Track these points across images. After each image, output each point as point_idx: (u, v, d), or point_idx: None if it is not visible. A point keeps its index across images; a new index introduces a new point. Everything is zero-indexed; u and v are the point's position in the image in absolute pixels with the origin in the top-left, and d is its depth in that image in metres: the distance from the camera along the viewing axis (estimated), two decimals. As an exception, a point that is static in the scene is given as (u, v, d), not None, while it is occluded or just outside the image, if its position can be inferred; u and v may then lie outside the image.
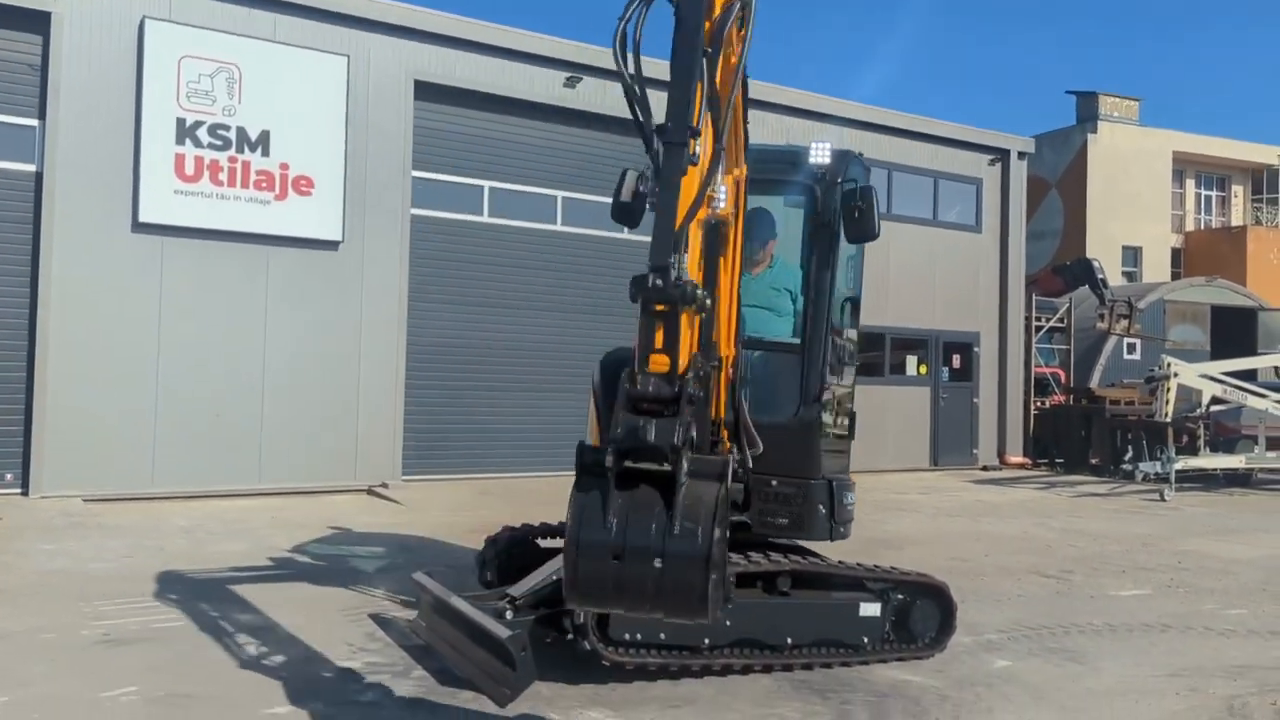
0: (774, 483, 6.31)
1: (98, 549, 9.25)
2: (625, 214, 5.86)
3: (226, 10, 12.65)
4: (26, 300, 11.86)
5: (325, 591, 7.85)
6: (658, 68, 4.43)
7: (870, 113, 17.82)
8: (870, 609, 6.26)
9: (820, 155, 6.50)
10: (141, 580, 8.04)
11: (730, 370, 5.58)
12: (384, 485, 13.43)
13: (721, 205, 4.99)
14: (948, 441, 18.91)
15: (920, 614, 6.42)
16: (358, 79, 13.40)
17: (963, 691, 5.85)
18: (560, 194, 15.07)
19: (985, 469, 19.08)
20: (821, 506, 6.38)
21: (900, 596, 6.41)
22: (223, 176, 12.54)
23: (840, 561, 6.49)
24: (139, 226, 12.22)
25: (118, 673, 5.70)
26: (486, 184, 14.63)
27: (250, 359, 12.79)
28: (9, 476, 11.83)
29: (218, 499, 12.23)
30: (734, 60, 4.87)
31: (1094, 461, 19.24)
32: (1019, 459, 19.72)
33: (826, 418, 6.58)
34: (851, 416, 7.04)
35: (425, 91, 13.94)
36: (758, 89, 14.38)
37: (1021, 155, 19.94)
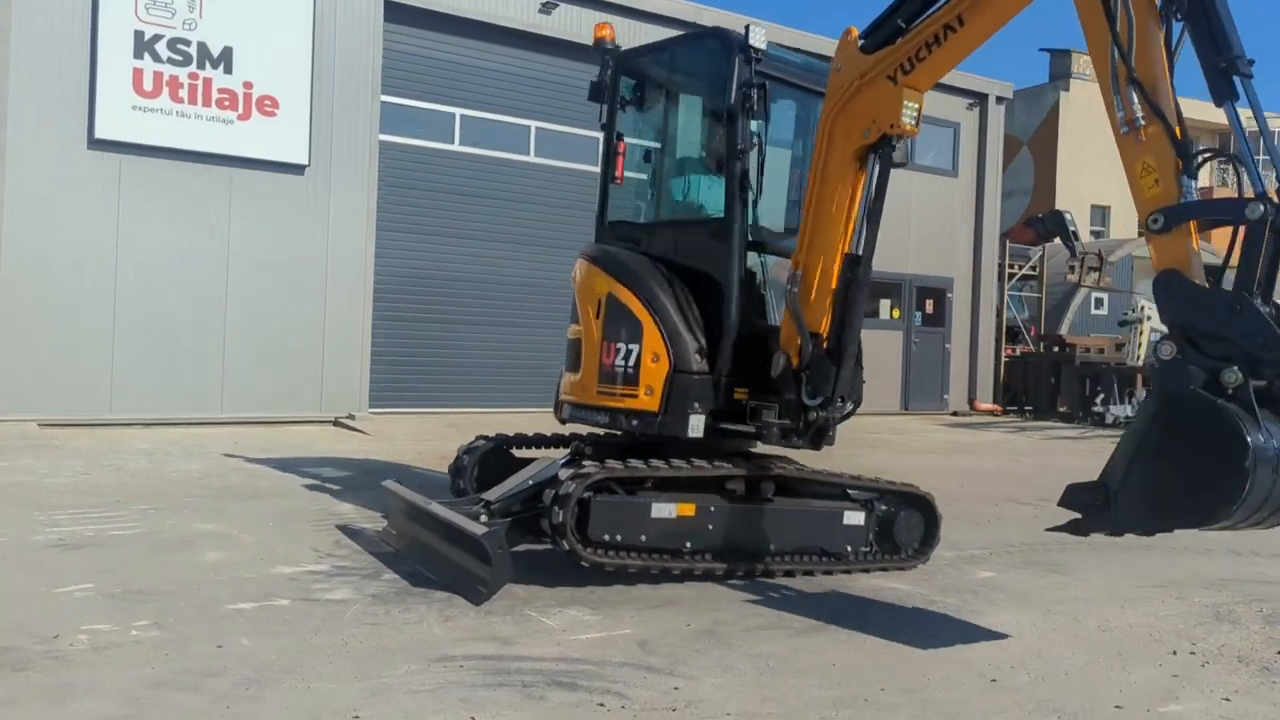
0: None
1: (53, 466, 8.93)
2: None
3: (187, -82, 12.11)
4: (-23, 218, 11.38)
5: (290, 505, 7.61)
6: None
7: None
8: (854, 518, 6.12)
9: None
10: (98, 493, 7.77)
11: None
12: (350, 417, 13.14)
13: None
14: (919, 386, 18.87)
15: (904, 524, 6.29)
16: (325, -4, 12.92)
17: (948, 597, 5.74)
18: (534, 124, 14.68)
19: (955, 414, 19.08)
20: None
21: (885, 506, 6.28)
22: (183, 93, 12.07)
23: (824, 470, 6.34)
24: (95, 143, 11.73)
25: (72, 570, 5.45)
26: (458, 111, 14.22)
27: (212, 284, 12.39)
28: (-40, 399, 11.42)
29: (177, 426, 11.89)
30: None
31: (1062, 409, 19.29)
32: (989, 405, 19.74)
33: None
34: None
35: (396, 13, 13.46)
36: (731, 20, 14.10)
37: (1000, 100, 19.75)
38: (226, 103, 12.30)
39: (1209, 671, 4.63)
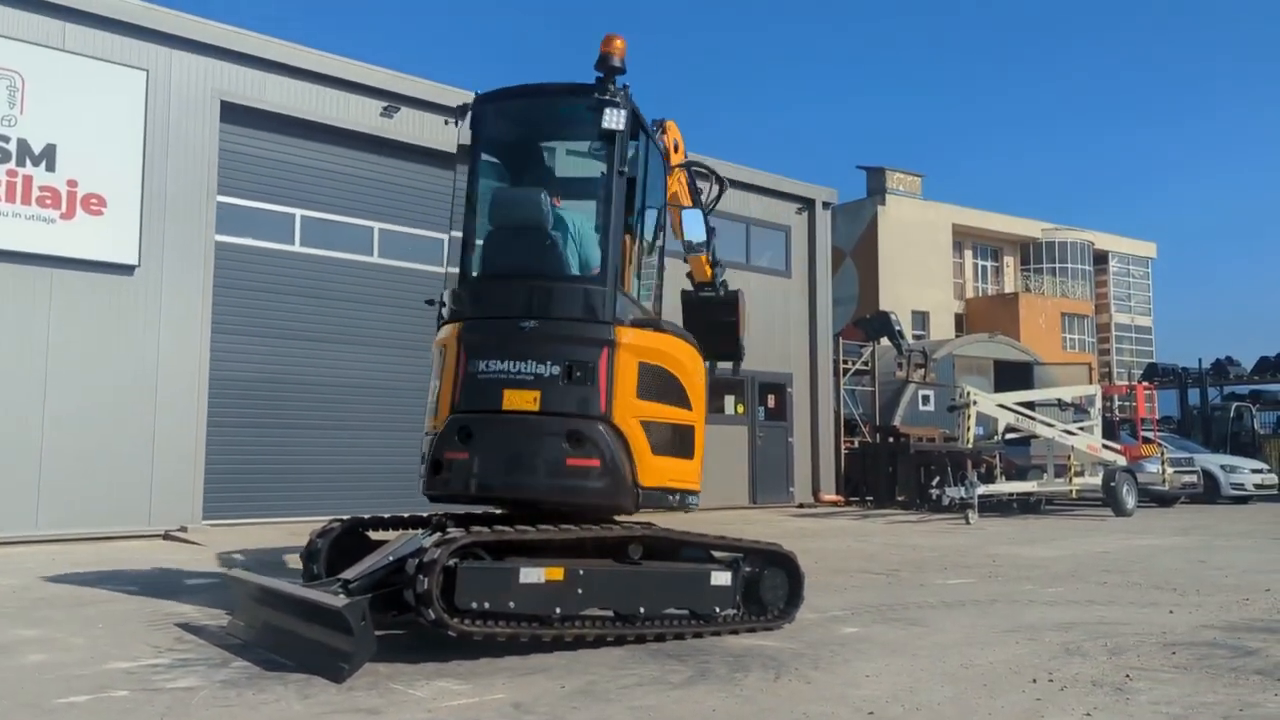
0: None
1: None
2: None
3: (9, 14, 11.66)
4: None
5: (121, 609, 7.04)
6: None
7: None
8: (721, 578, 6.14)
9: None
10: (-104, 608, 6.99)
11: None
12: (182, 529, 12.35)
13: None
14: (766, 480, 19.25)
15: (770, 583, 6.36)
16: (158, 95, 12.62)
17: (818, 650, 5.78)
18: (377, 225, 14.59)
19: (801, 506, 19.50)
20: None
21: (750, 566, 6.33)
22: (0, 191, 11.47)
23: (690, 531, 6.35)
24: (-102, 244, 10.96)
25: None
26: (299, 212, 14.00)
27: (29, 391, 11.58)
28: None
29: (-14, 546, 10.90)
30: None
31: (901, 498, 20.01)
32: (832, 496, 20.28)
33: None
34: None
35: (232, 113, 13.27)
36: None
37: (826, 205, 20.91)
38: (48, 201, 11.74)
39: (1068, 694, 4.81)
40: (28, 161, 11.66)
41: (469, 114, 6.48)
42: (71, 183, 11.94)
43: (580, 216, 6.43)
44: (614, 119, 6.03)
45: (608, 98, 6.05)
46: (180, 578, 8.72)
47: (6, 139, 11.55)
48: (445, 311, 6.38)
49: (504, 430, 5.85)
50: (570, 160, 6.85)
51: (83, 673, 5.04)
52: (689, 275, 8.37)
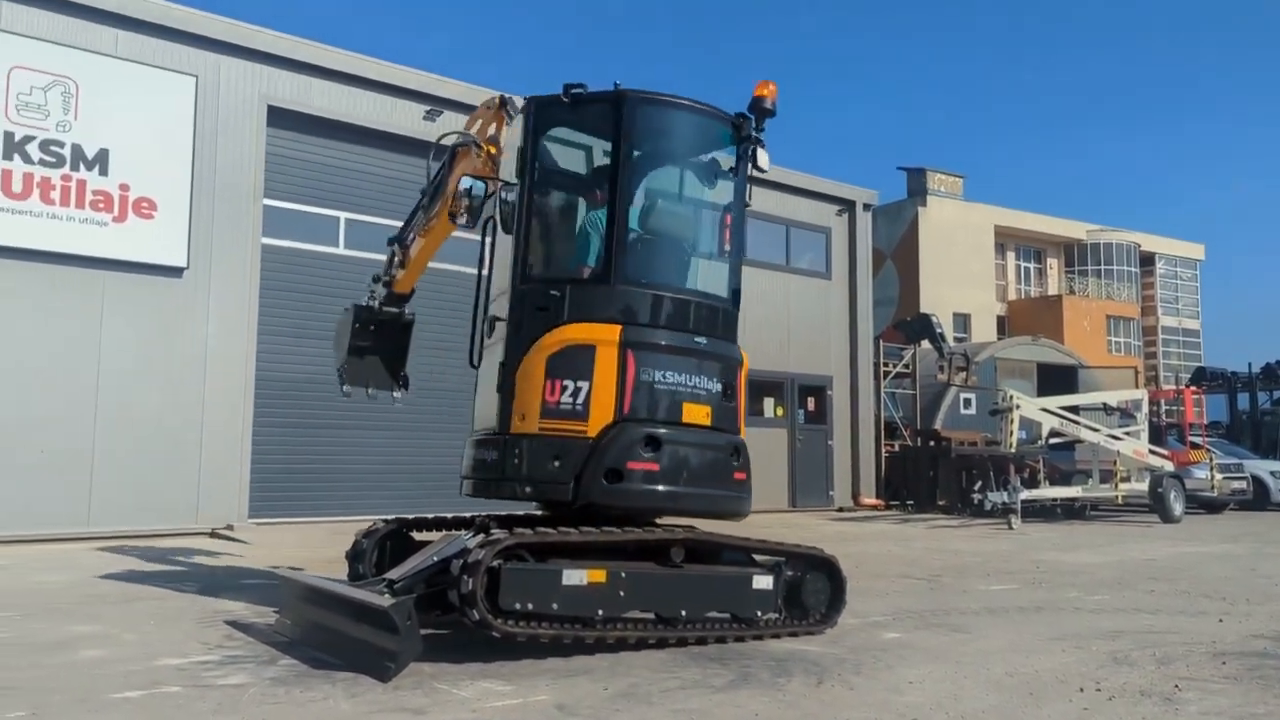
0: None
1: (-100, 581, 8.23)
2: None
3: (63, 22, 11.96)
4: None
5: (171, 606, 7.17)
6: None
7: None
8: (763, 582, 6.14)
9: None
10: (-45, 602, 7.18)
11: None
12: (228, 528, 12.55)
13: None
14: (805, 483, 19.18)
15: (812, 587, 6.34)
16: (207, 101, 12.84)
17: (860, 656, 5.75)
18: (419, 228, 14.72)
19: (841, 510, 19.41)
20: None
21: (792, 570, 6.32)
22: (54, 195, 11.71)
23: (731, 535, 6.35)
24: (-43, 246, 11.25)
25: (-68, 672, 4.99)
26: (342, 215, 14.18)
27: (82, 392, 11.82)
28: None
29: (40, 543, 11.14)
30: None
31: (942, 502, 19.84)
32: (873, 500, 20.16)
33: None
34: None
35: (279, 118, 13.47)
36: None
37: (866, 207, 20.80)
38: (101, 205, 11.99)
39: (1116, 704, 4.75)
40: (81, 166, 11.90)
41: (534, 108, 6.38)
42: (123, 187, 12.18)
43: (709, 240, 6.77)
44: (765, 160, 6.41)
45: (760, 138, 6.37)
46: (227, 576, 8.87)
47: (61, 144, 11.81)
48: (563, 307, 6.01)
49: (687, 443, 5.98)
50: (693, 181, 6.85)
51: (135, 668, 5.14)
52: (382, 284, 8.34)
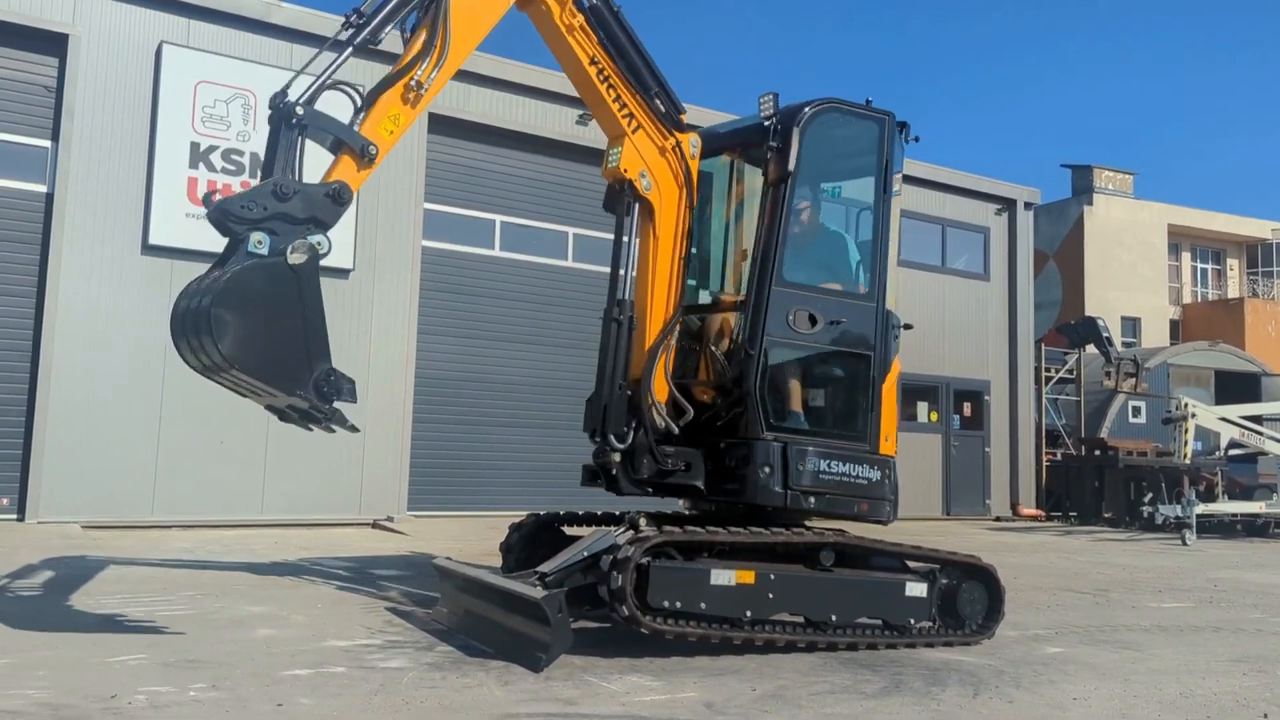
0: (722, 444, 6.06)
1: (99, 560, 8.89)
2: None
3: (243, 38, 12.71)
4: (31, 322, 11.65)
5: (336, 593, 7.51)
6: None
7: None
8: (917, 589, 5.98)
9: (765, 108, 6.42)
10: (145, 580, 7.71)
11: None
12: (389, 519, 13.07)
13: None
14: (960, 490, 18.59)
15: (968, 597, 6.14)
16: (372, 110, 13.39)
17: (1019, 669, 5.53)
18: (571, 230, 15.01)
19: (998, 519, 18.72)
20: (766, 468, 5.85)
21: (946, 579, 6.13)
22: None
23: (883, 540, 6.21)
24: (149, 249, 12.07)
25: (123, 644, 5.37)
26: (498, 218, 14.57)
27: (256, 386, 12.51)
28: (4, 501, 11.47)
29: (218, 529, 11.86)
30: None
31: (1107, 515, 18.88)
32: (1032, 510, 19.36)
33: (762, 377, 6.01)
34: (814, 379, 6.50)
35: (438, 124, 13.95)
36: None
37: (1028, 206, 20.01)
38: (276, 210, 12.64)
39: (1306, 733, 4.42)
40: (259, 174, 12.57)
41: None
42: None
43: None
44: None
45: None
46: (389, 564, 9.23)
47: (241, 153, 12.55)
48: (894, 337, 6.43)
49: None
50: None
51: (304, 649, 5.40)
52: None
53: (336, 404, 5.11)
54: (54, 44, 11.86)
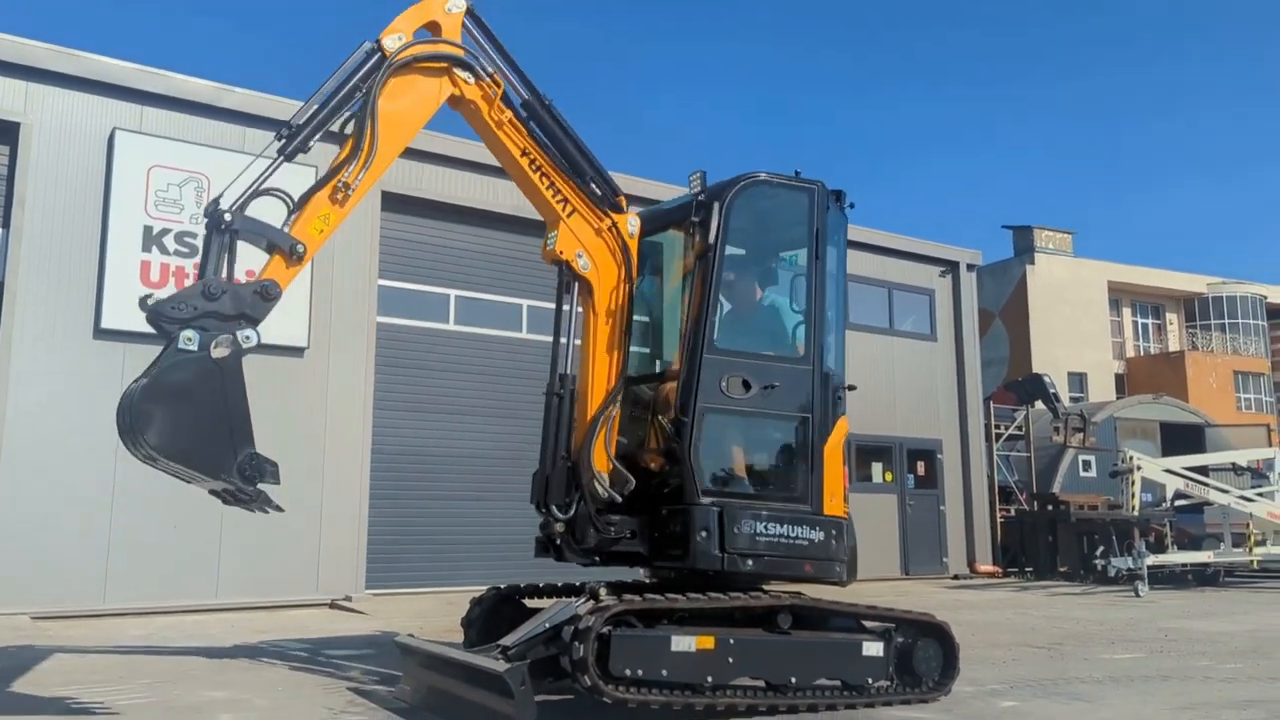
0: (663, 511, 6.17)
1: (49, 649, 8.73)
2: None
3: (195, 122, 12.84)
4: (-20, 408, 11.53)
5: (297, 675, 7.46)
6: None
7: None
8: (873, 648, 6.10)
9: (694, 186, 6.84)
10: (101, 668, 7.61)
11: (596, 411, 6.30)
12: (347, 598, 12.93)
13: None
14: (917, 549, 18.76)
15: (923, 654, 6.26)
16: (325, 190, 13.55)
17: (975, 724, 5.65)
18: (525, 302, 15.18)
19: (956, 577, 18.89)
20: (704, 532, 5.90)
21: (902, 637, 6.26)
22: (188, 283, 12.46)
23: (839, 600, 6.34)
24: (101, 333, 12.03)
25: (82, 734, 5.31)
26: (452, 292, 14.72)
27: (211, 467, 12.41)
28: (-50, 593, 11.21)
29: (173, 614, 11.67)
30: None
31: (1063, 569, 19.14)
32: (989, 567, 19.57)
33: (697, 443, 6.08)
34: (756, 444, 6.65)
35: (391, 202, 14.13)
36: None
37: (970, 267, 20.56)
38: (230, 291, 12.69)
39: (1249, 775, 4.57)
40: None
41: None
42: (250, 273, 12.84)
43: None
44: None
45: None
46: (349, 644, 9.15)
47: (194, 235, 12.57)
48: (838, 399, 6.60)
49: None
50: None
51: (266, 732, 5.38)
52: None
53: (261, 486, 5.33)
54: (5, 133, 11.91)
